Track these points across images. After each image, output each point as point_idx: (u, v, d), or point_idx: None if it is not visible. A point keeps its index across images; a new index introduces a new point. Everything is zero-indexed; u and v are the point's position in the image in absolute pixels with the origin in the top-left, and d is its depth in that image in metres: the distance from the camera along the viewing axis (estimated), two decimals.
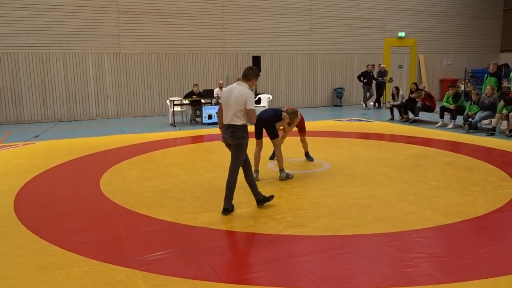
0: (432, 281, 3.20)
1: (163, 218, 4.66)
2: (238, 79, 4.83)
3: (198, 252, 3.79)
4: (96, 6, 13.64)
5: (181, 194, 5.54)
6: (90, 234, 4.24)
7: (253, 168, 6.26)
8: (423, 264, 3.49)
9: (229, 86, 4.82)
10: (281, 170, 6.27)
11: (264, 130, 6.32)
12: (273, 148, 7.16)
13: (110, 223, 4.54)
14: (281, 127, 6.77)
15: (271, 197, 5.07)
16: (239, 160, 4.78)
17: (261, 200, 4.95)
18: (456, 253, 3.70)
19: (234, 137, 4.66)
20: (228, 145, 4.85)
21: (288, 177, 6.24)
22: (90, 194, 5.63)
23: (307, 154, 7.44)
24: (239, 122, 4.63)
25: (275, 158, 7.17)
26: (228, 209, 4.77)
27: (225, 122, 4.75)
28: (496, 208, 4.84)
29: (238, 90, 4.65)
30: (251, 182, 4.92)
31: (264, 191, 5.60)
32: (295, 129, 7.19)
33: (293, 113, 6.71)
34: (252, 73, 4.75)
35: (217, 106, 12.53)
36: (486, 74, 11.88)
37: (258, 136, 6.37)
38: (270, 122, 6.26)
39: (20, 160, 7.67)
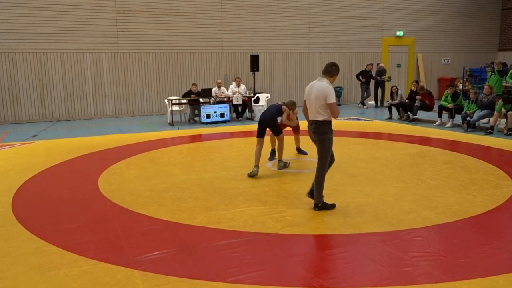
0: (431, 280, 3.21)
1: (161, 218, 4.65)
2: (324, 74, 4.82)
3: (197, 251, 3.79)
4: (94, 6, 13.61)
5: (179, 194, 5.54)
6: (88, 233, 4.23)
7: (253, 164, 6.34)
8: (421, 263, 3.49)
9: (310, 83, 4.88)
10: (280, 160, 6.76)
11: (268, 128, 6.62)
12: (270, 148, 7.31)
13: (109, 223, 4.54)
14: (289, 119, 7.00)
15: (333, 205, 4.87)
16: (325, 155, 4.73)
17: (319, 206, 4.79)
18: (455, 252, 3.70)
19: (316, 133, 4.70)
20: (314, 141, 4.83)
21: (285, 165, 6.77)
22: (88, 193, 5.62)
23: (298, 149, 7.84)
24: (321, 118, 4.65)
25: (274, 158, 7.24)
26: (317, 205, 4.78)
27: (310, 118, 4.80)
28: (495, 207, 4.85)
29: (318, 86, 4.69)
30: (321, 182, 4.79)
31: (264, 190, 5.61)
32: (289, 128, 7.48)
33: (292, 104, 6.98)
34: (335, 70, 4.77)
35: (216, 105, 12.63)
36: (489, 72, 11.90)
37: (260, 135, 6.53)
38: (273, 120, 6.57)
39: (18, 160, 7.65)
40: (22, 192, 5.73)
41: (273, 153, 7.38)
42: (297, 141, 7.79)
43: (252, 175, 6.26)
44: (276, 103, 6.92)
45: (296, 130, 7.59)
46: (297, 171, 6.67)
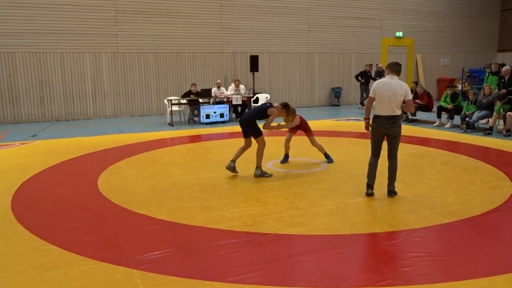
0: (430, 280, 3.21)
1: (161, 218, 4.66)
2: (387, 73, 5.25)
3: (196, 251, 3.79)
4: (94, 6, 13.61)
5: (179, 194, 5.54)
6: (88, 233, 4.23)
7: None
8: (420, 263, 3.50)
9: (382, 81, 5.17)
10: (258, 167, 6.32)
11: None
12: (284, 152, 7.21)
13: (108, 223, 4.54)
14: (275, 124, 6.49)
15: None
16: (398, 145, 5.20)
17: (393, 191, 5.25)
18: (454, 252, 3.71)
19: (396, 126, 5.05)
20: (384, 135, 5.14)
21: (263, 175, 6.27)
22: (88, 193, 5.62)
23: (326, 156, 7.23)
24: (399, 112, 5.05)
25: (287, 161, 7.16)
26: (392, 191, 5.24)
27: (384, 114, 5.03)
28: (494, 208, 4.85)
29: (398, 84, 5.02)
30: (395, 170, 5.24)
31: (263, 190, 5.62)
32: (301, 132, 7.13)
33: (293, 112, 6.50)
34: (400, 69, 5.22)
35: (215, 106, 12.62)
36: (487, 73, 11.89)
37: (244, 135, 6.37)
38: (250, 122, 6.24)
39: (18, 160, 7.65)
40: (22, 192, 5.73)
41: (286, 157, 7.21)
42: (317, 145, 7.14)
43: (227, 168, 6.31)
44: (268, 103, 6.48)
45: (307, 132, 7.05)
46: (297, 172, 6.66)
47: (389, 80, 5.08)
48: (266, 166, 6.97)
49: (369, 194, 5.24)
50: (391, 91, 4.98)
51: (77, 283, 3.24)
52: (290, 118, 6.55)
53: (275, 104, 6.39)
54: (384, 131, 5.11)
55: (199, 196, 5.43)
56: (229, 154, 7.91)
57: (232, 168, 6.32)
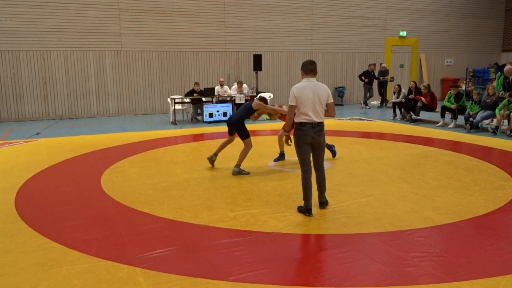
0: (432, 280, 3.20)
1: (163, 216, 4.67)
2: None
3: (199, 249, 3.79)
4: (98, 4, 13.64)
5: (181, 192, 5.55)
6: (90, 231, 4.25)
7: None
8: (423, 263, 3.49)
9: (300, 85, 4.75)
10: (237, 165, 6.42)
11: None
12: (279, 151, 7.20)
13: (111, 221, 4.55)
14: (257, 114, 6.65)
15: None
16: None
17: (324, 203, 4.88)
18: (456, 252, 3.70)
19: (322, 135, 4.66)
20: (315, 144, 4.67)
21: (240, 172, 6.38)
22: (91, 191, 5.63)
23: (329, 146, 7.34)
24: (324, 118, 4.66)
25: (281, 159, 7.16)
26: (326, 203, 4.86)
27: (312, 120, 4.58)
28: (497, 208, 4.84)
29: (320, 87, 4.68)
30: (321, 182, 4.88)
31: (266, 189, 5.62)
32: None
33: (261, 99, 6.63)
34: (316, 67, 4.80)
35: (218, 104, 12.63)
36: (499, 72, 11.85)
37: (230, 133, 6.73)
38: (238, 123, 6.40)
39: (21, 158, 7.68)
40: (25, 189, 5.75)
41: (281, 155, 7.19)
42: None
43: (208, 158, 6.83)
44: (248, 102, 6.67)
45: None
46: (299, 171, 6.65)
47: (310, 83, 4.69)
48: (269, 165, 6.97)
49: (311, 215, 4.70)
50: (315, 95, 4.61)
51: (79, 281, 3.25)
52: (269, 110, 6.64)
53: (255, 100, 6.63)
54: (315, 139, 4.62)
55: (202, 194, 5.44)
56: (231, 153, 7.93)
57: (212, 160, 6.81)
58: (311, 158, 4.77)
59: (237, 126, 6.39)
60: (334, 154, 7.41)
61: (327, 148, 7.13)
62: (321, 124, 4.63)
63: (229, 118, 6.65)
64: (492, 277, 3.26)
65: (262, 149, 8.29)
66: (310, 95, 4.62)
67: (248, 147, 6.45)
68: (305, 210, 4.66)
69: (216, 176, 6.35)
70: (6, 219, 4.63)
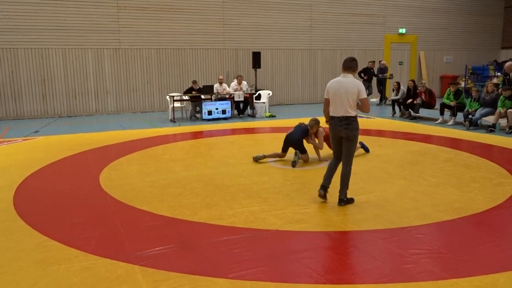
0: (431, 277, 3.20)
1: (162, 214, 4.66)
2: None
3: (198, 247, 3.79)
4: (96, 2, 13.60)
5: (180, 190, 5.54)
6: (89, 229, 4.24)
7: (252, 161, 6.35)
8: (422, 260, 3.49)
9: (334, 80, 4.86)
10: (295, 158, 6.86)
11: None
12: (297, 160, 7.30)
13: (110, 219, 4.54)
14: (312, 140, 7.19)
15: (353, 199, 4.95)
16: (353, 151, 4.84)
17: (344, 201, 4.84)
18: (455, 249, 3.70)
19: (349, 129, 4.68)
20: (340, 138, 4.79)
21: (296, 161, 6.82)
22: (89, 189, 5.63)
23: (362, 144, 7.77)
24: (353, 113, 4.68)
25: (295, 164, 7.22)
26: (343, 200, 4.82)
27: (339, 115, 4.71)
28: (496, 205, 4.84)
29: (349, 82, 4.69)
30: (349, 178, 4.87)
31: (265, 186, 5.61)
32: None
33: (314, 121, 7.08)
34: (356, 64, 4.89)
35: (217, 102, 12.61)
36: (504, 70, 11.82)
37: (284, 150, 7.13)
38: (299, 142, 6.98)
39: (20, 156, 7.66)
40: (24, 187, 5.74)
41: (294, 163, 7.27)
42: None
43: (254, 157, 7.07)
44: (302, 124, 7.18)
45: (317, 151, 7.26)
46: (298, 169, 6.66)
47: (341, 79, 4.78)
48: (269, 163, 6.97)
49: (321, 195, 4.90)
50: (342, 90, 4.68)
51: (78, 279, 3.24)
52: (313, 128, 7.15)
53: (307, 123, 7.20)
54: (340, 133, 4.74)
55: (201, 192, 5.43)
56: (231, 151, 7.94)
57: (258, 159, 7.03)
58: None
59: (296, 144, 6.94)
60: (366, 150, 7.66)
61: (360, 145, 7.54)
62: (349, 119, 4.67)
63: (289, 136, 7.07)
64: (491, 273, 3.26)
65: (262, 146, 8.28)
66: (339, 90, 4.72)
67: (307, 157, 7.00)
68: (320, 186, 4.90)
69: (215, 173, 6.35)
70: (4, 217, 4.62)
